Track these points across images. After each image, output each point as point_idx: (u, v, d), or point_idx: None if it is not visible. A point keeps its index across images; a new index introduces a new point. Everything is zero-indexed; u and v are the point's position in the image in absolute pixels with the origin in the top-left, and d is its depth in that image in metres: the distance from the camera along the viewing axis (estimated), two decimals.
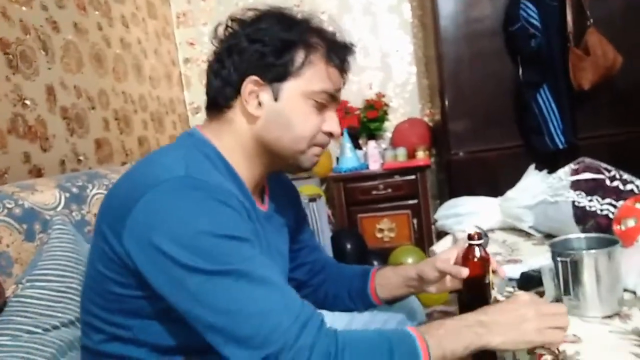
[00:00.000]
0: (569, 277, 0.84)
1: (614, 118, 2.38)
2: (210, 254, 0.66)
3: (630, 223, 1.06)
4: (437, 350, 0.70)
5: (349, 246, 2.54)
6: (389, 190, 2.80)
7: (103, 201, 0.80)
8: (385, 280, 1.02)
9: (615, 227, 1.08)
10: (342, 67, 0.87)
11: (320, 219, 1.91)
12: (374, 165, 2.85)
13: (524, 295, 0.79)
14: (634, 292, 0.89)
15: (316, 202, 1.91)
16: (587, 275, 0.82)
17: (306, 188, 2.53)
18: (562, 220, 1.23)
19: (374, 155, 2.86)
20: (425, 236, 2.79)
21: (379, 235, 2.83)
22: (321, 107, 0.84)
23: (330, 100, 0.85)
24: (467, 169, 2.52)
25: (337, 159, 2.99)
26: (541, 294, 0.93)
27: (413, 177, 2.78)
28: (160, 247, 0.66)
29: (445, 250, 0.95)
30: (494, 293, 0.85)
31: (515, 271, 1.05)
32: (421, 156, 2.84)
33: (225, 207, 0.70)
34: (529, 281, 0.99)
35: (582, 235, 0.93)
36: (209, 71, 0.85)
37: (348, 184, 2.83)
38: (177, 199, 0.68)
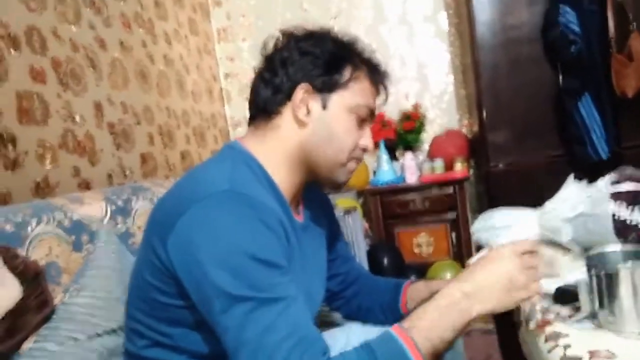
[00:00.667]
0: (604, 291, 0.82)
1: None
2: (242, 277, 0.68)
3: None
4: (425, 344, 0.69)
5: (385, 260, 2.52)
6: (427, 203, 2.78)
7: (150, 214, 0.85)
8: (416, 293, 1.02)
9: None
10: (381, 89, 0.93)
11: (355, 232, 1.92)
12: (411, 178, 2.83)
13: (503, 249, 0.80)
14: None
15: (351, 214, 1.92)
16: (624, 290, 0.80)
17: (342, 201, 2.55)
18: (602, 234, 1.19)
19: (411, 167, 2.84)
20: (464, 250, 2.74)
21: (416, 250, 2.80)
22: (360, 123, 0.90)
23: (370, 116, 0.91)
24: (507, 180, 2.47)
25: (374, 172, 2.99)
26: (577, 309, 0.91)
27: (451, 189, 2.75)
28: (198, 261, 0.69)
29: None
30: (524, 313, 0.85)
31: (551, 285, 1.03)
32: (459, 168, 2.80)
33: (265, 229, 0.72)
34: (565, 295, 0.97)
35: (619, 247, 0.90)
36: (258, 81, 0.90)
37: (385, 197, 2.82)
38: (219, 214, 0.71)
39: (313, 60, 0.85)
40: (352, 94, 0.87)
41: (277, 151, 0.87)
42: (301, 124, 0.86)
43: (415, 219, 2.80)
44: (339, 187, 0.92)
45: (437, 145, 2.99)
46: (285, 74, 0.86)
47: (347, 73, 0.86)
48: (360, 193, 3.10)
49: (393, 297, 1.04)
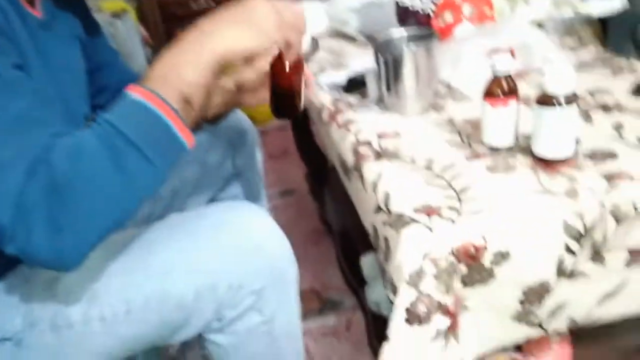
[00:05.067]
0: (390, 75, 0.82)
1: None
2: None
3: (448, 18, 1.07)
4: (168, 91, 0.53)
5: None
6: (212, 2, 2.51)
7: None
8: None
9: (435, 23, 1.08)
10: None
11: (130, 38, 1.64)
12: None
13: None
14: (448, 84, 0.92)
15: (121, 18, 1.61)
16: (407, 72, 0.82)
17: (110, 4, 2.14)
18: (386, 22, 1.20)
19: None
20: None
21: None
22: None
23: None
24: None
25: None
26: (366, 95, 0.93)
27: None
28: None
29: None
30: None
31: (341, 77, 1.02)
32: None
33: None
34: (354, 85, 0.97)
35: (404, 32, 0.90)
36: None
37: None
38: None
39: None
40: None
41: None
42: None
43: None
44: None
45: None
46: None
47: None
48: None
49: None
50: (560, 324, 0.61)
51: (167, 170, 0.54)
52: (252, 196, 1.03)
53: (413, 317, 0.55)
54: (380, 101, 0.89)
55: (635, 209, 0.55)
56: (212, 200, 0.99)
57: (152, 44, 2.42)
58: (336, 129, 0.86)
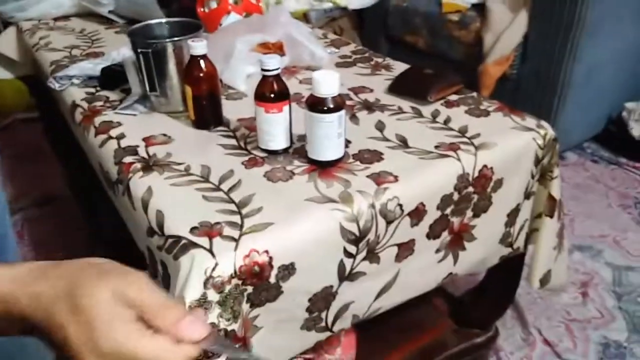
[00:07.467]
0: (153, 70, 0.73)
1: None
2: None
3: (213, 4, 1.00)
4: None
5: None
6: None
7: None
8: None
9: (199, 10, 1.01)
10: None
11: None
12: None
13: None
14: (220, 81, 0.86)
15: None
16: (172, 67, 0.74)
17: None
18: (143, 3, 1.08)
19: None
20: None
21: None
22: None
23: None
24: None
25: None
26: (127, 91, 0.82)
27: None
28: None
29: None
30: None
31: (95, 68, 0.88)
32: None
33: None
34: (112, 79, 0.85)
35: (164, 20, 0.81)
36: None
37: None
38: None
39: None
40: None
41: None
42: None
43: None
44: None
45: None
46: None
47: None
48: None
49: None
50: (345, 323, 0.63)
51: None
52: None
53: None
54: (145, 98, 0.78)
55: (400, 207, 0.59)
56: None
57: None
58: (94, 134, 0.74)
